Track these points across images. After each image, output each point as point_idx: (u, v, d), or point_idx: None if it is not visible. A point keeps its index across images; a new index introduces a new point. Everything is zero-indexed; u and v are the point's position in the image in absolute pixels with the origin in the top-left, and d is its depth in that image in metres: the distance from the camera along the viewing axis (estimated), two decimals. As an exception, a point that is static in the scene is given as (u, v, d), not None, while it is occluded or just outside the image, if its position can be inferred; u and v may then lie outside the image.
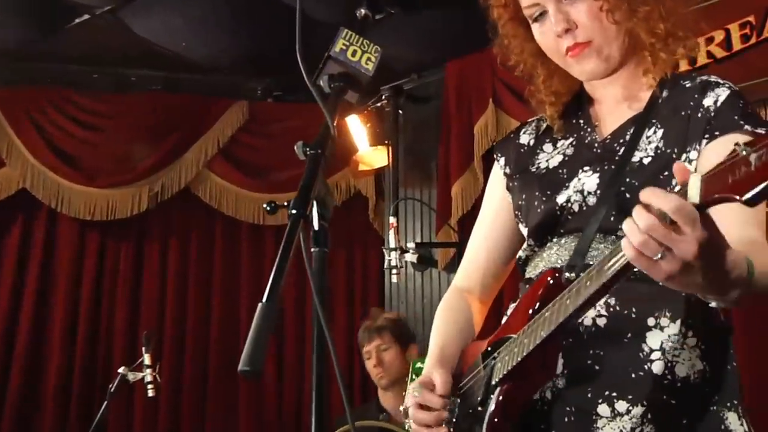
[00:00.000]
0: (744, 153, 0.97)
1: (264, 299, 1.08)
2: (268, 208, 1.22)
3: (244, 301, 5.59)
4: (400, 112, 5.56)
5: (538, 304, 1.46)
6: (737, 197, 0.96)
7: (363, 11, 1.51)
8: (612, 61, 1.57)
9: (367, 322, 4.01)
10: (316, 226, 1.25)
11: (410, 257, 3.57)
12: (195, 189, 5.70)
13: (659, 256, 1.07)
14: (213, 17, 4.69)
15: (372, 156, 5.43)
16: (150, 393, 3.88)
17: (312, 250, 1.24)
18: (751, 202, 0.95)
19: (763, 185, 0.94)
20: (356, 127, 5.39)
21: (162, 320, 5.46)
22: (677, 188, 1.06)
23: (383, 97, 5.56)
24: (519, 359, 1.42)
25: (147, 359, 3.83)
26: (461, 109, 5.12)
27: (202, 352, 5.51)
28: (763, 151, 0.95)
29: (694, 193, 1.02)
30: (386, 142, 5.44)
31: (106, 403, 3.78)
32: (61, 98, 5.49)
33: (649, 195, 1.05)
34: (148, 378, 3.82)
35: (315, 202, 1.24)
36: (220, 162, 5.75)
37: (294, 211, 1.18)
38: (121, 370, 3.83)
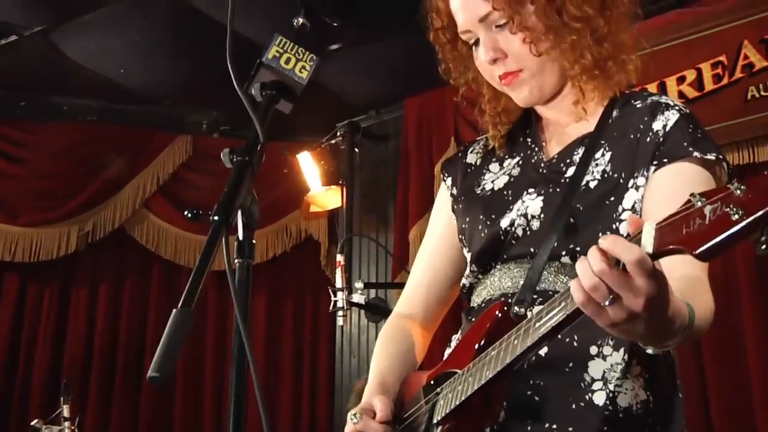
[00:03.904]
0: (699, 204, 1.01)
1: (179, 305, 1.12)
2: (189, 215, 1.26)
3: (183, 352, 5.53)
4: (356, 150, 5.62)
5: (484, 339, 1.49)
6: (690, 251, 1.01)
7: (300, 20, 1.57)
8: (546, 90, 1.65)
9: (360, 385, 3.86)
10: (240, 236, 1.29)
11: (358, 298, 3.59)
12: (130, 229, 5.69)
13: (607, 302, 1.13)
14: (154, 42, 4.74)
15: (325, 197, 5.47)
16: (67, 449, 3.83)
17: (235, 260, 1.28)
18: (703, 257, 1.00)
19: (716, 240, 0.99)
20: (308, 166, 5.45)
21: (88, 371, 5.39)
22: (630, 236, 1.11)
23: (338, 134, 5.63)
24: (463, 398, 1.45)
25: (66, 411, 3.78)
26: (421, 147, 5.23)
27: (132, 408, 5.44)
28: (718, 205, 0.99)
29: (647, 243, 1.06)
30: (340, 182, 5.49)
31: (14, 460, 3.72)
32: (-19, 127, 5.46)
33: (611, 243, 1.10)
34: None
35: (240, 211, 1.28)
36: (160, 201, 5.76)
37: (216, 218, 1.22)
38: (34, 422, 3.77)
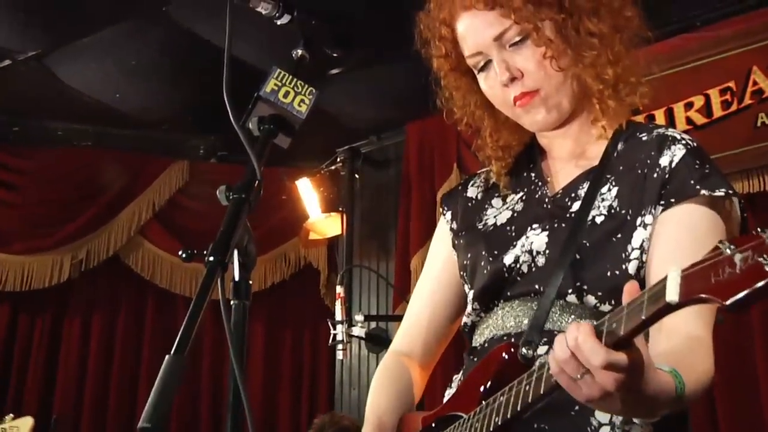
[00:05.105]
0: (728, 252, 0.98)
1: (172, 351, 1.10)
2: (184, 255, 1.25)
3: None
4: (357, 176, 5.63)
5: (490, 383, 1.48)
6: (720, 301, 0.98)
7: (299, 51, 1.56)
8: (562, 110, 1.63)
9: None
10: (236, 277, 1.28)
11: (358, 331, 3.58)
12: (125, 257, 5.67)
13: (578, 376, 1.15)
14: (150, 66, 4.76)
15: (324, 224, 5.46)
16: (58, 486, 3.79)
17: (231, 302, 1.27)
18: (733, 308, 0.97)
19: (748, 291, 0.95)
20: (307, 192, 5.44)
21: (80, 404, 5.34)
22: (655, 284, 1.09)
23: (338, 160, 5.64)
24: None
25: (57, 447, 3.74)
26: (423, 174, 5.23)
27: (125, 442, 5.39)
28: (749, 254, 0.96)
29: (673, 290, 1.03)
30: (340, 208, 5.49)
31: (3, 498, 3.67)
32: (-27, 152, 5.45)
33: (581, 342, 1.14)
34: (57, 469, 3.73)
35: (236, 251, 1.27)
36: (155, 227, 5.75)
37: (211, 258, 1.21)
38: (23, 459, 3.73)
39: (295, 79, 1.47)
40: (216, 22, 4.16)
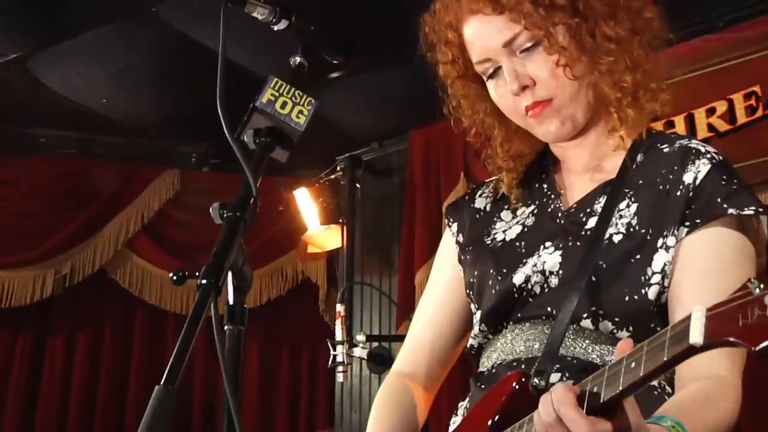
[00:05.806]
0: (758, 292, 0.97)
1: (162, 381, 1.09)
2: (175, 278, 1.24)
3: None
4: (358, 186, 5.63)
5: (498, 415, 1.46)
6: (749, 346, 0.96)
7: (297, 59, 1.55)
8: (577, 121, 1.62)
9: None
10: (231, 300, 1.27)
11: (360, 352, 3.57)
12: (112, 272, 5.66)
13: None
14: (139, 69, 4.77)
15: (324, 236, 5.46)
16: None
17: (225, 327, 1.26)
18: (764, 354, 0.95)
19: None
20: (306, 203, 5.44)
21: (63, 427, 5.32)
22: (678, 322, 1.08)
23: (338, 168, 5.64)
24: None
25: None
26: (428, 183, 5.22)
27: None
28: None
29: (697, 332, 1.02)
30: (340, 220, 5.49)
31: None
32: (-50, 159, 5.44)
33: (565, 409, 1.17)
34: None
35: (230, 273, 1.26)
36: (144, 240, 5.74)
37: (204, 281, 1.20)
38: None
39: (293, 89, 1.46)
40: (209, 24, 4.17)
